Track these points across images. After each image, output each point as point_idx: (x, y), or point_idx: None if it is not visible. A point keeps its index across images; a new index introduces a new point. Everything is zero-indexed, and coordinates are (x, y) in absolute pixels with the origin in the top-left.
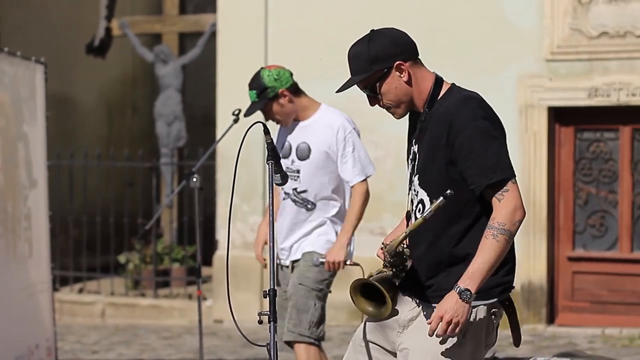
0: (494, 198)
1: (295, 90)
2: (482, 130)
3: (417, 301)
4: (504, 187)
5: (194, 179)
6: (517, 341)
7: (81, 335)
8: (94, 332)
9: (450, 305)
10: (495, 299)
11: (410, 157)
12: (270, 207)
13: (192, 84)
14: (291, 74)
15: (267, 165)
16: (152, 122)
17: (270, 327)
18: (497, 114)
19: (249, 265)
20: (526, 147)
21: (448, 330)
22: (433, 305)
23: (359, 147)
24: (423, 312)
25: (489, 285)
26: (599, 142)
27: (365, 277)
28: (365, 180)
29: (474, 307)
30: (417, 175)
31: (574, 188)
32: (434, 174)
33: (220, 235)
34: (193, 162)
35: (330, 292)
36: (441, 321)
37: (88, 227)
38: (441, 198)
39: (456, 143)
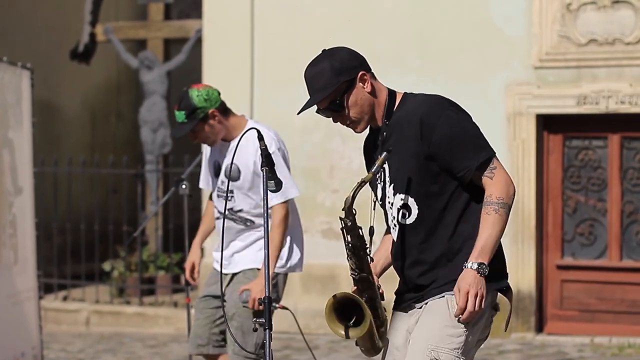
0: (484, 178)
1: (224, 110)
2: (455, 118)
3: (419, 305)
4: (491, 165)
5: (183, 186)
6: (505, 327)
7: (66, 343)
8: (78, 340)
9: (471, 280)
10: (498, 287)
11: (378, 175)
12: (265, 215)
13: (177, 90)
14: (219, 93)
15: (261, 172)
16: (136, 128)
17: (266, 334)
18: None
19: None
20: (514, 155)
21: (476, 304)
22: (441, 295)
23: (282, 168)
24: (427, 304)
25: (490, 273)
26: (588, 150)
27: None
28: (285, 202)
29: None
30: (392, 185)
31: (563, 196)
32: (411, 174)
33: (207, 242)
34: (178, 169)
35: (276, 308)
36: (468, 297)
37: (72, 234)
38: (384, 153)
39: (434, 137)
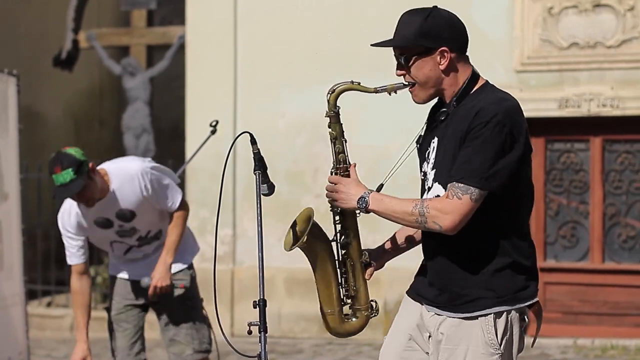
0: (446, 191)
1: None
2: (497, 133)
3: (437, 312)
4: (463, 193)
5: None
6: (533, 342)
7: (51, 349)
8: (63, 346)
9: (352, 191)
10: (523, 304)
11: (428, 149)
12: (259, 217)
13: (160, 97)
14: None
15: (255, 176)
16: (119, 135)
17: (260, 337)
18: (527, 132)
19: (219, 278)
20: None
21: (329, 195)
22: (466, 315)
23: (165, 180)
24: (449, 327)
25: (518, 288)
26: (570, 153)
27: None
28: (183, 200)
29: (507, 312)
30: (435, 170)
31: (545, 199)
32: (451, 168)
33: None
34: None
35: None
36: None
37: (56, 240)
38: (401, 84)
39: (470, 134)
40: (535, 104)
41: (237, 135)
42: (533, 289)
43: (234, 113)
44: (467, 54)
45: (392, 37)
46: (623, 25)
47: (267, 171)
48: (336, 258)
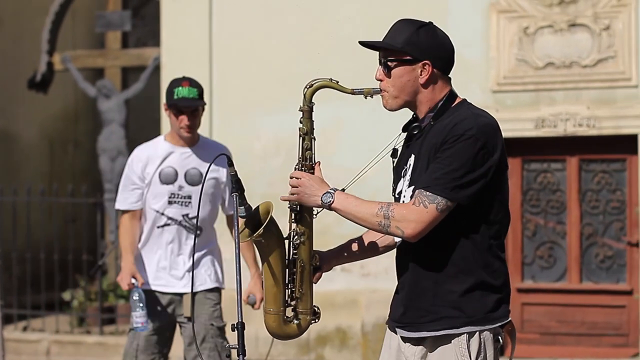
0: (413, 198)
1: None
2: (470, 147)
3: (409, 335)
4: (430, 202)
5: None
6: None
7: None
8: None
9: (316, 186)
10: (495, 325)
11: (404, 167)
12: (236, 240)
13: (135, 119)
14: None
15: (232, 198)
16: (95, 157)
17: None
18: (504, 149)
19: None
20: None
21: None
22: (441, 332)
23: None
24: (428, 346)
25: (490, 309)
26: (547, 173)
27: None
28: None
29: (479, 332)
30: (412, 187)
31: (522, 219)
32: None
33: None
34: None
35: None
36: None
37: (32, 264)
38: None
39: (443, 147)
40: (512, 124)
41: (214, 158)
42: (505, 309)
43: (210, 135)
44: (449, 75)
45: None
46: (599, 44)
47: (245, 193)
48: (287, 257)
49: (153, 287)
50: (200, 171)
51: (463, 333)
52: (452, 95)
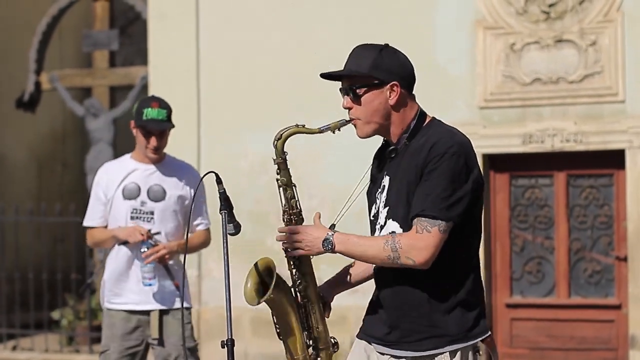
0: (414, 227)
1: None
2: (454, 164)
3: (390, 352)
4: (431, 225)
5: None
6: None
7: None
8: None
9: (315, 235)
10: (475, 340)
11: (378, 189)
12: (225, 257)
13: (123, 138)
14: None
15: (221, 216)
16: (83, 176)
17: None
18: (478, 165)
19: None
20: None
21: (290, 245)
22: (422, 354)
23: (204, 201)
24: None
25: (469, 326)
26: (534, 189)
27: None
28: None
29: (461, 350)
30: (387, 208)
31: (510, 235)
32: (407, 203)
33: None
34: None
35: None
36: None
37: (20, 283)
38: (343, 120)
39: (426, 169)
40: (499, 140)
41: (202, 175)
42: (484, 324)
43: (198, 153)
44: (414, 93)
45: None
46: (585, 60)
47: (233, 210)
48: (297, 303)
49: (121, 307)
50: (163, 187)
51: (446, 352)
52: (422, 114)
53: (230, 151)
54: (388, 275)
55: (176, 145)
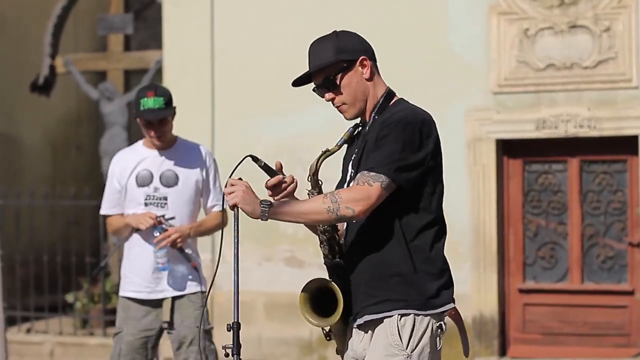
0: (355, 180)
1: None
2: (405, 131)
3: (358, 322)
4: (374, 180)
5: None
6: (466, 351)
7: None
8: None
9: (249, 198)
10: (437, 310)
11: (349, 165)
12: (235, 236)
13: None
14: None
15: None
16: (97, 160)
17: None
18: (439, 143)
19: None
20: (475, 180)
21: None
22: (380, 315)
23: (218, 180)
24: (372, 333)
25: (429, 295)
26: (548, 174)
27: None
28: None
29: (415, 315)
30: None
31: (524, 220)
32: None
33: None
34: None
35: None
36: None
37: (35, 266)
38: (350, 128)
39: (381, 134)
40: (513, 125)
41: (240, 160)
42: (447, 295)
43: (212, 138)
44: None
45: (308, 70)
46: (599, 46)
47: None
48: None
49: (135, 295)
50: (175, 173)
51: (395, 315)
52: (390, 92)
53: (244, 136)
54: (353, 258)
55: (190, 130)
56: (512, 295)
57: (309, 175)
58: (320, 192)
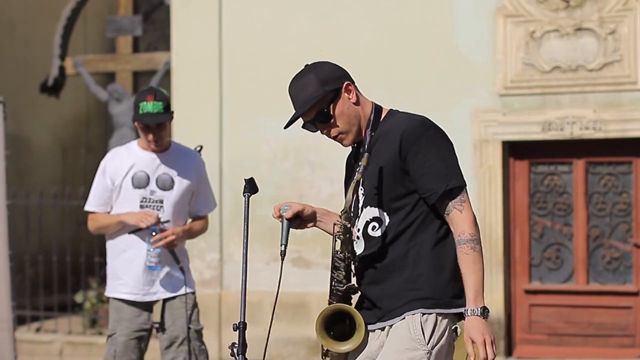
0: (453, 209)
1: None
2: (434, 140)
3: (380, 326)
4: (461, 197)
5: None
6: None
7: None
8: None
9: (483, 328)
10: (459, 310)
11: (353, 188)
12: (245, 239)
13: None
14: None
15: (244, 198)
16: None
17: None
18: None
19: (207, 303)
20: (481, 182)
21: (495, 351)
22: (402, 317)
23: (209, 185)
24: (388, 330)
25: (452, 294)
26: (553, 176)
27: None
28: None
29: (437, 315)
30: (364, 198)
31: (530, 221)
32: (385, 187)
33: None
34: None
35: None
36: (485, 345)
37: (44, 266)
38: (366, 154)
39: (410, 152)
40: (519, 127)
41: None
42: (465, 298)
43: (220, 139)
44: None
45: (296, 110)
46: (604, 48)
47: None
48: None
49: (129, 296)
50: (171, 176)
51: (418, 312)
52: (377, 107)
53: (252, 137)
54: (375, 264)
55: (198, 130)
56: (518, 296)
57: (344, 211)
58: (351, 225)
